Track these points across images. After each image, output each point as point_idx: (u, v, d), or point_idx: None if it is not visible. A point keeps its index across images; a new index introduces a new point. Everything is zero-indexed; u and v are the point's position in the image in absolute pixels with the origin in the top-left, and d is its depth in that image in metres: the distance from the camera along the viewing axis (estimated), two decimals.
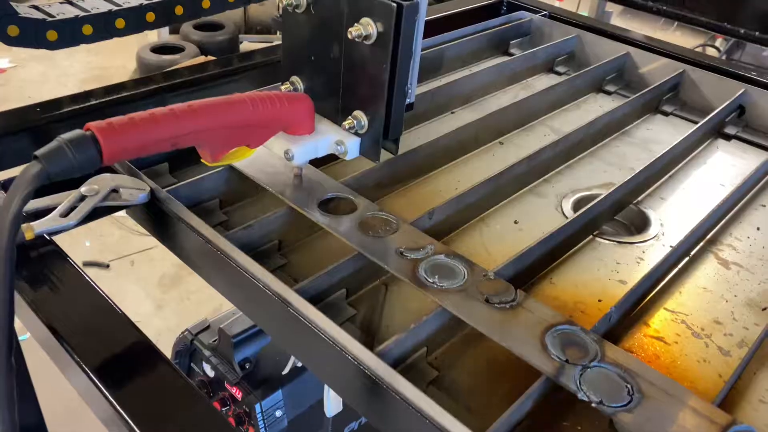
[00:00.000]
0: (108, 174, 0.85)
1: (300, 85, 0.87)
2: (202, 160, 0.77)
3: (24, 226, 0.76)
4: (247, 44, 4.41)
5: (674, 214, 1.00)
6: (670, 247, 0.91)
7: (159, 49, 3.98)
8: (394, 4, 0.71)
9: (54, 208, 0.80)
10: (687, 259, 0.91)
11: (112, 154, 0.64)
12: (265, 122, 0.78)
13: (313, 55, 0.83)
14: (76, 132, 0.64)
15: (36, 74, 4.32)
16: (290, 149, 0.80)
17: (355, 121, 0.81)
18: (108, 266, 2.91)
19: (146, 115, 0.67)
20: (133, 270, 2.91)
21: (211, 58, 3.83)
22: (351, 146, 0.82)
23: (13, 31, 1.04)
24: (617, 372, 0.62)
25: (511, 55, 1.49)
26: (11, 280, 0.61)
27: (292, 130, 0.81)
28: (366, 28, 0.74)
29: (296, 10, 0.82)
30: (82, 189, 0.83)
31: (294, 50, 0.86)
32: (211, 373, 1.42)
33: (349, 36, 0.75)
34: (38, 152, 0.62)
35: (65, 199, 0.81)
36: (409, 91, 0.83)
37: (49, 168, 0.61)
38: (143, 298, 2.77)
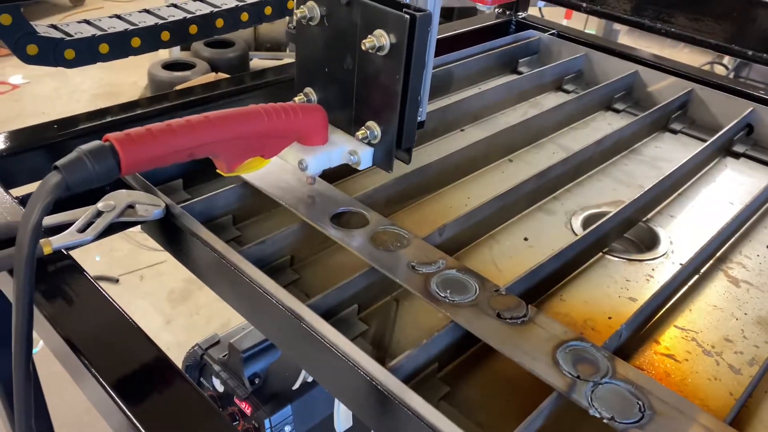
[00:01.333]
0: (124, 190, 0.86)
1: (314, 96, 0.88)
2: (217, 170, 0.78)
3: (42, 241, 0.77)
4: (257, 61, 4.45)
5: (684, 232, 1.01)
6: (680, 264, 0.91)
7: (170, 65, 4.02)
8: (407, 16, 0.73)
9: (71, 224, 0.82)
10: (697, 276, 0.91)
11: (130, 164, 0.65)
12: (280, 133, 0.80)
13: (327, 67, 0.85)
14: (96, 143, 0.65)
15: (49, 90, 4.37)
16: (304, 159, 0.81)
17: (368, 132, 0.82)
18: (117, 281, 2.93)
19: (163, 126, 0.69)
20: (143, 285, 2.93)
21: (222, 74, 3.87)
22: (364, 156, 0.83)
23: (32, 50, 1.07)
24: (628, 389, 0.62)
25: (519, 73, 1.51)
26: (31, 289, 0.62)
27: (306, 141, 0.83)
28: (379, 39, 0.75)
29: (310, 23, 0.84)
30: (99, 205, 0.84)
31: (308, 62, 0.87)
32: (220, 388, 1.42)
33: (363, 48, 0.76)
34: (58, 162, 0.62)
35: (82, 214, 0.83)
36: (421, 108, 0.84)
37: (68, 178, 0.62)
38: (152, 313, 2.78)
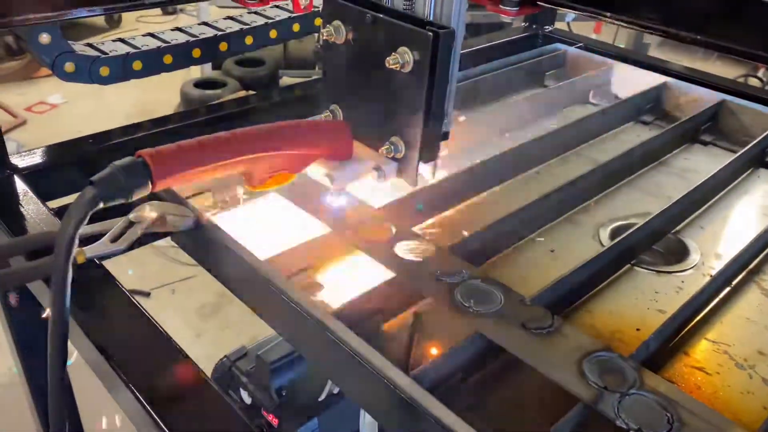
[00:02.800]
0: (155, 201, 0.88)
1: (339, 113, 0.90)
2: (245, 185, 0.80)
3: (76, 250, 0.79)
4: (287, 79, 4.52)
5: (714, 244, 0.99)
6: (710, 276, 0.89)
7: (202, 83, 4.10)
8: (431, 33, 0.74)
9: (104, 234, 0.84)
10: (728, 288, 0.89)
11: (162, 180, 0.68)
12: (307, 149, 0.81)
13: (352, 84, 0.86)
14: (128, 159, 0.67)
15: (86, 109, 4.49)
16: (330, 174, 0.83)
17: (392, 146, 0.83)
18: (149, 294, 2.97)
19: (194, 143, 0.71)
20: (174, 298, 2.97)
21: (252, 92, 3.93)
22: (388, 171, 0.84)
23: (69, 67, 1.11)
24: (657, 400, 0.61)
25: (546, 86, 1.51)
26: (67, 299, 0.64)
27: (332, 156, 0.84)
28: (403, 56, 0.77)
29: (336, 41, 0.85)
30: (131, 216, 0.86)
31: (333, 79, 0.89)
32: (248, 400, 1.43)
33: (387, 65, 0.77)
34: (93, 178, 0.65)
35: (114, 225, 0.85)
36: (446, 120, 0.84)
37: (102, 193, 0.64)
38: (182, 327, 2.81)
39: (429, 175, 0.86)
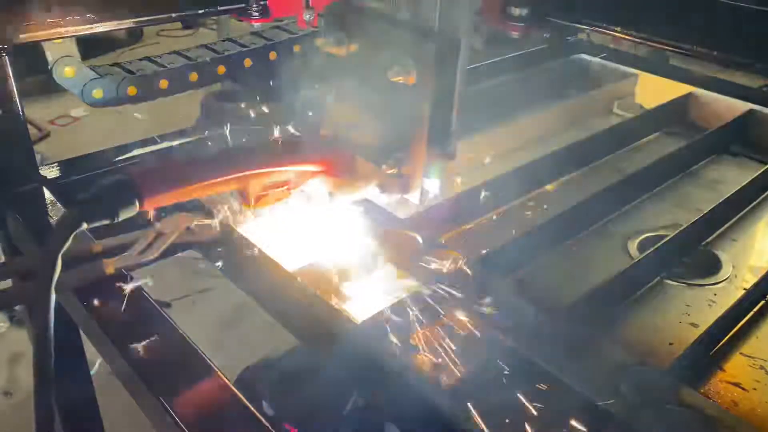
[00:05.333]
0: (183, 212, 0.88)
1: (341, 129, 0.86)
2: (242, 204, 0.78)
3: (106, 261, 0.80)
4: (305, 92, 4.54)
5: (747, 256, 0.97)
6: (744, 289, 0.88)
7: (222, 96, 4.14)
8: (433, 44, 0.70)
9: (132, 245, 0.84)
10: (763, 302, 0.87)
11: (151, 199, 0.65)
12: (303, 166, 0.79)
13: (353, 98, 0.82)
14: (116, 178, 0.64)
15: (107, 122, 4.55)
16: (332, 191, 0.81)
17: (395, 163, 0.79)
18: (169, 305, 2.98)
19: (184, 161, 0.69)
20: (194, 310, 2.97)
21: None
22: (392, 187, 0.81)
23: (98, 94, 1.12)
24: (695, 416, 0.60)
25: (569, 96, 1.49)
26: (50, 322, 0.61)
27: (333, 173, 0.81)
28: (406, 68, 0.73)
29: (337, 54, 0.82)
30: (158, 227, 0.86)
31: (335, 93, 0.86)
32: (270, 412, 1.42)
33: (389, 77, 0.74)
34: (78, 197, 0.63)
35: (142, 236, 0.85)
36: (450, 139, 0.79)
37: (86, 215, 0.62)
38: (202, 338, 2.81)
39: (433, 190, 0.82)
